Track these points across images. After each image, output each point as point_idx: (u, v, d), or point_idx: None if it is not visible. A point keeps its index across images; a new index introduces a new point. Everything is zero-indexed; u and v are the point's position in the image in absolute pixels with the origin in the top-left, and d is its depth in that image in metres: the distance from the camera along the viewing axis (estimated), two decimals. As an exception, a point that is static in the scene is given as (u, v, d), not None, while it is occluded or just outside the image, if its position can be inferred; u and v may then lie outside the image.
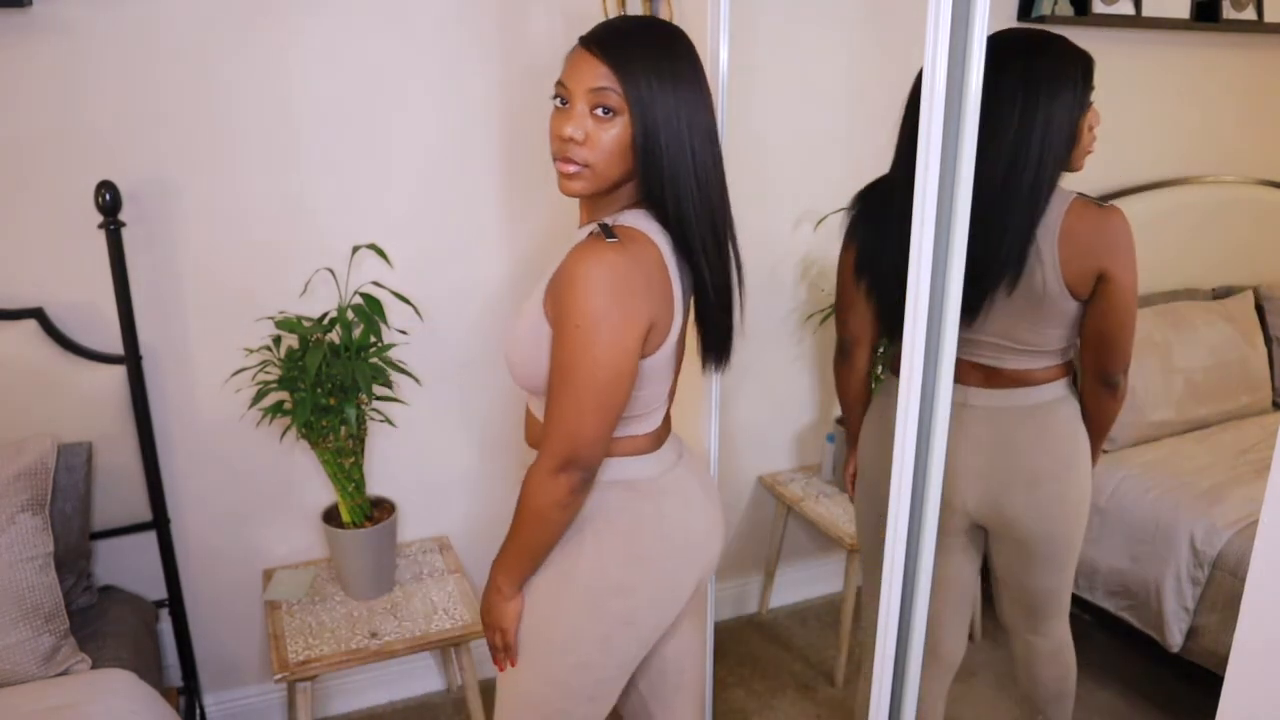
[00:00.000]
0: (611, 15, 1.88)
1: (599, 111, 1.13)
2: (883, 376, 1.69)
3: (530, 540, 1.21)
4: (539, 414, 1.26)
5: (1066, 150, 1.40)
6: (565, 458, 1.14)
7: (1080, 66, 1.38)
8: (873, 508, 1.65)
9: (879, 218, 1.52)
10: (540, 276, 1.20)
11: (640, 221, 1.18)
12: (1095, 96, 1.41)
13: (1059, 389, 1.53)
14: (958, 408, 1.49)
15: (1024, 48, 1.38)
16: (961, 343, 1.45)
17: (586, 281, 1.09)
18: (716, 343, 1.32)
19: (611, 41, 1.14)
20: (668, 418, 1.34)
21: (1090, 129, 1.42)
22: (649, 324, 1.15)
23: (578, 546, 1.23)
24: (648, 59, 1.13)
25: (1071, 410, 1.54)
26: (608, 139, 1.14)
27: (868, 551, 1.71)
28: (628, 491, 1.25)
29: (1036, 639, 1.69)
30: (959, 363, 1.47)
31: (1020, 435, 1.52)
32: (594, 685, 1.28)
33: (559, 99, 1.17)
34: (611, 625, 1.25)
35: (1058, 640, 1.69)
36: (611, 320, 1.10)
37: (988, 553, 1.69)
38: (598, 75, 1.13)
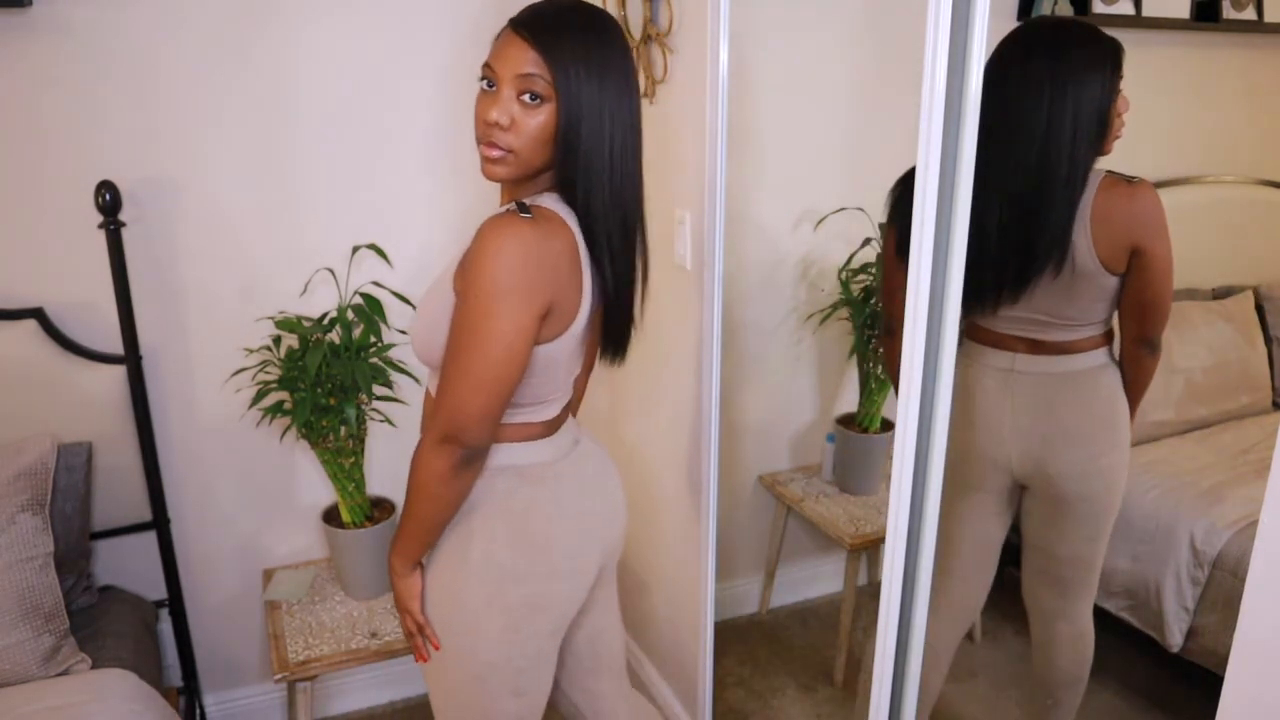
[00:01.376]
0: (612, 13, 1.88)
1: (526, 97, 1.12)
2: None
3: (416, 515, 1.20)
4: (435, 391, 1.25)
5: (1099, 136, 1.43)
6: (447, 431, 1.12)
7: (1110, 54, 1.42)
8: None
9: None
10: (456, 254, 1.20)
11: (558, 206, 1.17)
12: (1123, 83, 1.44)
13: (1101, 356, 1.58)
14: (1004, 373, 1.57)
15: (1055, 36, 1.41)
16: (1005, 319, 1.53)
17: (495, 253, 1.08)
18: (613, 336, 1.30)
19: (542, 27, 1.12)
20: (569, 408, 1.33)
21: (1119, 115, 1.45)
22: (548, 305, 1.13)
23: (466, 533, 1.23)
24: (578, 46, 1.11)
25: (1113, 378, 1.58)
26: (533, 125, 1.12)
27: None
28: (517, 477, 1.24)
29: (1059, 623, 1.71)
30: (1003, 335, 1.55)
31: (1063, 397, 1.58)
32: (515, 677, 1.26)
33: (486, 81, 1.15)
34: (516, 613, 1.24)
35: (1080, 626, 1.71)
36: (512, 293, 1.09)
37: (1019, 523, 1.71)
38: (526, 61, 1.11)
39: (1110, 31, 2.44)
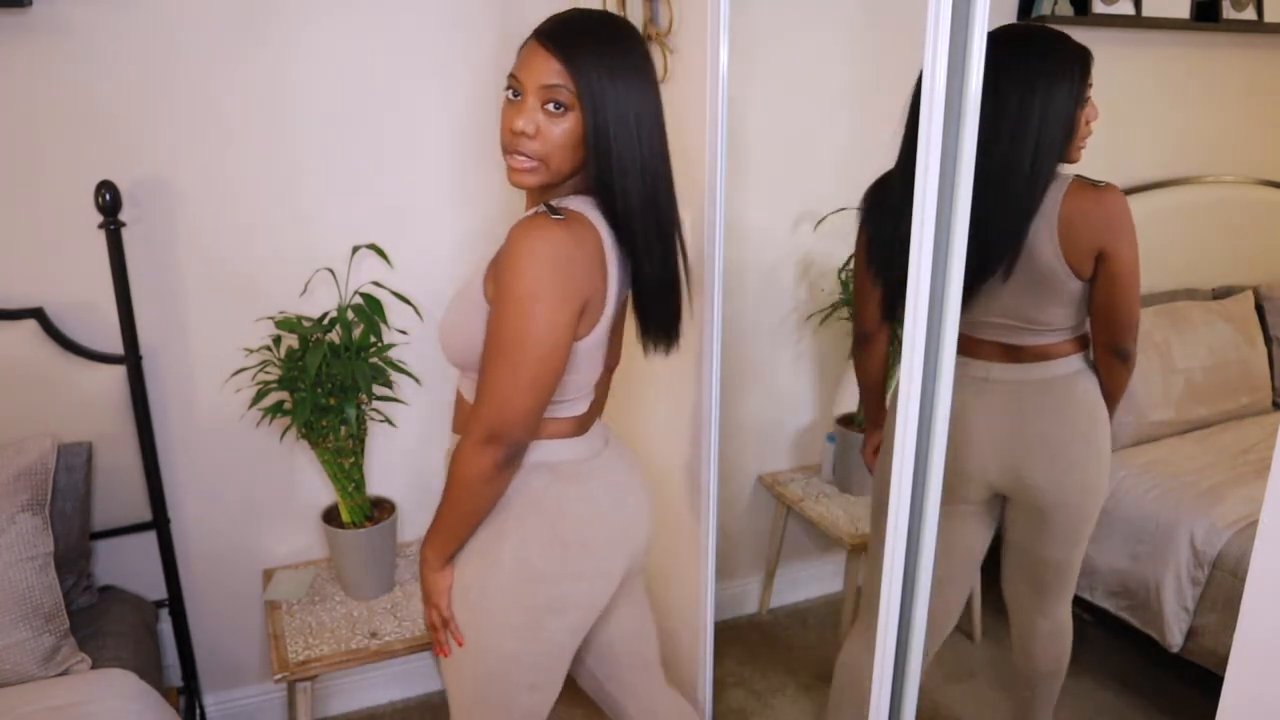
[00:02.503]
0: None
1: (550, 106, 1.15)
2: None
3: (455, 513, 1.22)
4: (468, 394, 1.27)
5: (1064, 144, 1.42)
6: (492, 431, 1.14)
7: (1078, 62, 1.41)
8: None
9: (883, 211, 1.55)
10: (484, 257, 1.21)
11: (584, 207, 1.19)
12: (1094, 91, 1.43)
13: (1077, 362, 1.57)
14: (979, 382, 1.55)
15: (1023, 44, 1.41)
16: (978, 324, 1.53)
17: (529, 255, 1.11)
18: (660, 329, 1.33)
19: (565, 37, 1.15)
20: (596, 405, 1.35)
21: (1087, 122, 1.45)
22: (584, 302, 1.16)
23: (500, 531, 1.24)
24: (600, 55, 1.14)
25: (1090, 383, 1.58)
26: (559, 133, 1.15)
27: (878, 528, 1.74)
28: (549, 474, 1.26)
29: (1038, 618, 1.72)
30: (979, 341, 1.54)
31: (1040, 405, 1.57)
32: (532, 673, 1.29)
33: (511, 91, 1.18)
34: (539, 613, 1.26)
35: (1058, 621, 1.73)
36: (550, 294, 1.11)
37: (1001, 528, 1.71)
38: (550, 71, 1.14)
39: (1110, 31, 2.44)
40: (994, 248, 1.42)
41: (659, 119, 1.22)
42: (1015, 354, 1.55)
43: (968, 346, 1.57)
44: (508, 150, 1.18)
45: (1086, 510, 1.62)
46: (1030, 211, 1.42)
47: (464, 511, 1.22)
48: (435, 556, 1.27)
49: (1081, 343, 1.57)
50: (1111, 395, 1.59)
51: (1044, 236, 1.44)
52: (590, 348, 1.23)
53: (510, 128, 1.16)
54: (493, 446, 1.15)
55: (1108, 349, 1.54)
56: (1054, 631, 1.73)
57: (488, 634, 1.26)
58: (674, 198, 1.27)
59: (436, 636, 1.31)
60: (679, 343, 1.37)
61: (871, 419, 1.78)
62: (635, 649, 1.49)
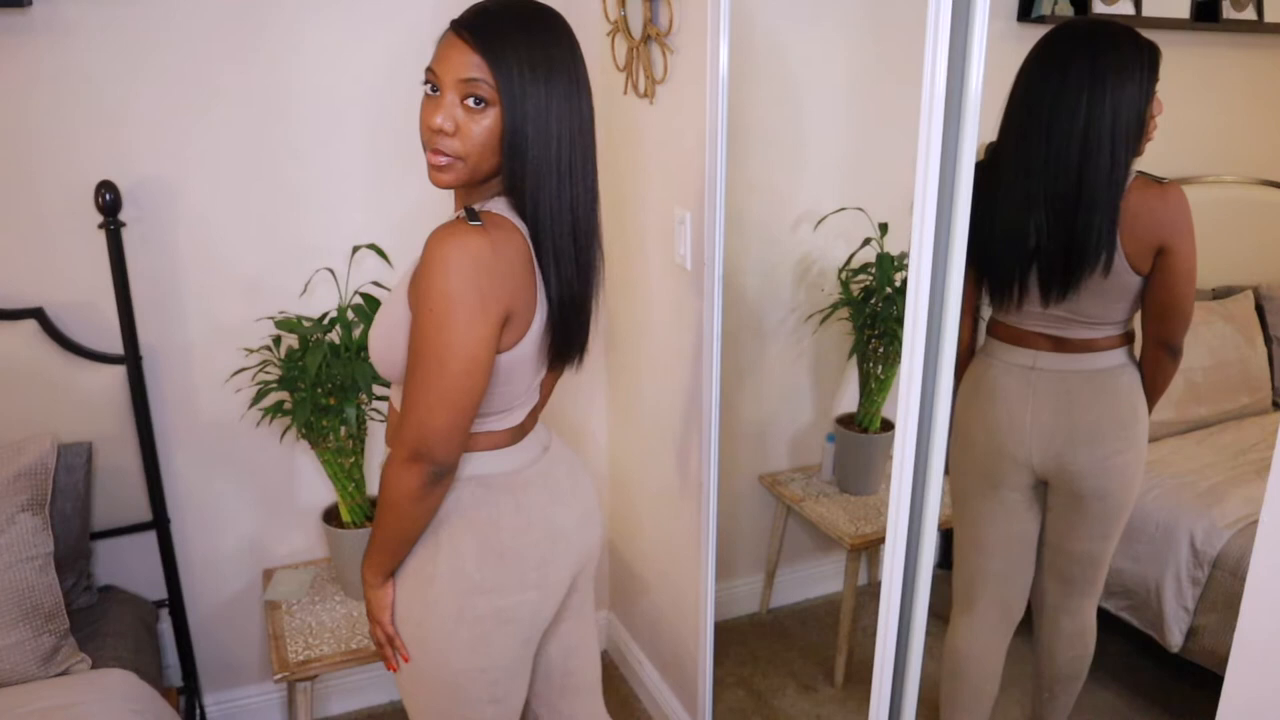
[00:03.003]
0: (611, 15, 1.88)
1: (470, 101, 1.08)
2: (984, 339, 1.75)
3: (388, 531, 1.18)
4: (399, 407, 1.22)
5: (1137, 139, 1.44)
6: (415, 449, 1.10)
7: (1146, 57, 1.43)
8: (963, 455, 1.74)
9: (981, 191, 1.57)
10: (413, 262, 1.16)
11: (508, 211, 1.13)
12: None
13: (1121, 356, 1.60)
14: (1025, 370, 1.59)
15: (1091, 40, 1.43)
16: (1029, 316, 1.56)
17: (444, 264, 1.05)
18: (567, 343, 1.23)
19: (485, 28, 1.08)
20: (535, 412, 1.30)
21: (1153, 117, 1.47)
22: (505, 313, 1.10)
23: (434, 547, 1.21)
24: (522, 48, 1.07)
25: (1132, 377, 1.61)
26: (479, 130, 1.09)
27: (956, 495, 1.78)
28: (481, 487, 1.22)
29: (1063, 617, 1.74)
30: (1025, 332, 1.58)
31: (1084, 394, 1.60)
32: (490, 686, 1.25)
33: (429, 86, 1.12)
34: (486, 625, 1.22)
35: (1083, 622, 1.74)
36: (467, 305, 1.05)
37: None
38: (469, 65, 1.07)
39: (1111, 32, 2.43)
40: (1089, 244, 1.44)
41: (583, 116, 1.14)
42: (1063, 345, 1.58)
43: (1014, 336, 1.60)
44: (427, 148, 1.12)
45: (1121, 500, 1.65)
46: (1116, 205, 1.44)
47: (397, 529, 1.18)
48: (374, 574, 1.23)
49: (1127, 338, 1.60)
50: (1156, 390, 1.62)
51: None
52: (520, 358, 1.16)
53: (428, 124, 1.10)
54: (418, 465, 1.10)
55: (1160, 344, 1.57)
56: (1078, 634, 1.74)
57: (435, 650, 1.23)
58: (596, 212, 1.20)
59: (383, 653, 1.28)
60: (579, 366, 1.29)
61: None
62: (575, 667, 1.43)
